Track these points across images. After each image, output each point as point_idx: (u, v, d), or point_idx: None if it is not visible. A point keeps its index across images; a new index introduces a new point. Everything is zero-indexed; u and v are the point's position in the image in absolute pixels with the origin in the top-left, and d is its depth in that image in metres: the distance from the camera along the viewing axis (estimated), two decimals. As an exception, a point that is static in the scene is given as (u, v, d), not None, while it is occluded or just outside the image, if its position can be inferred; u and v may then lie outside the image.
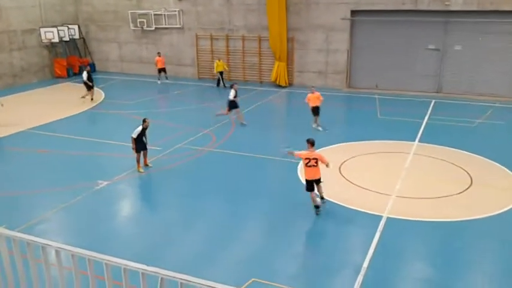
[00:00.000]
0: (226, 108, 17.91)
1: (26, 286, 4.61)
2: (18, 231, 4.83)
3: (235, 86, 18.09)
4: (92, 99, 22.00)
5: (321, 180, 10.76)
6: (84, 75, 21.81)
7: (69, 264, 4.21)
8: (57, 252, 4.10)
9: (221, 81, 24.77)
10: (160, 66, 25.74)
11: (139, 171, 13.49)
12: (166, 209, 11.51)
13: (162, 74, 25.99)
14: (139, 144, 13.27)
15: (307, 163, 10.57)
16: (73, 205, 11.50)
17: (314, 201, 10.75)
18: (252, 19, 25.29)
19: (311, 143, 10.77)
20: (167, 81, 26.04)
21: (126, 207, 12.20)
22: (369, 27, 23.33)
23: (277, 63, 24.69)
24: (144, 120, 13.31)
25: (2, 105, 18.34)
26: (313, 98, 17.20)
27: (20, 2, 26.20)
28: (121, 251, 8.44)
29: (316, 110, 17.15)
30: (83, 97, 22.03)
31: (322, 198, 11.03)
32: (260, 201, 11.62)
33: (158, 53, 26.20)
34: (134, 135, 13.16)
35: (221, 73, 24.72)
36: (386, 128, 17.36)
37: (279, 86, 24.66)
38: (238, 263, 9.01)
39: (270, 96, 22.82)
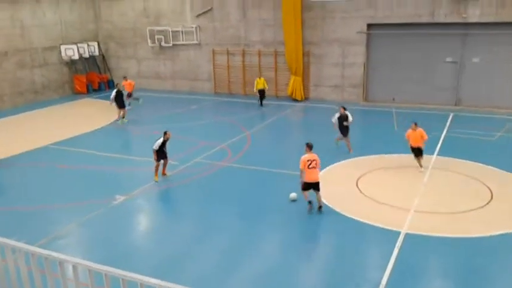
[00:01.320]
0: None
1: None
2: (37, 246, 4.90)
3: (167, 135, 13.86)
4: (123, 117, 21.25)
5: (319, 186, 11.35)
6: (113, 94, 20.87)
7: (86, 279, 4.24)
8: (74, 267, 4.14)
9: (260, 100, 23.72)
10: (128, 90, 23.41)
11: (155, 181, 13.74)
12: (183, 223, 11.53)
13: (130, 99, 23.55)
14: (160, 154, 13.76)
15: (309, 165, 11.13)
16: (91, 220, 11.60)
17: (306, 197, 11.44)
18: (268, 34, 25.49)
19: (310, 147, 11.51)
20: (129, 107, 22.96)
21: (143, 221, 12.27)
22: (385, 40, 23.30)
23: (293, 77, 24.76)
24: (165, 133, 13.76)
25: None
26: (415, 137, 13.88)
27: (42, 20, 26.90)
28: (138, 266, 8.45)
29: (417, 151, 13.98)
30: (119, 119, 21.21)
31: (320, 207, 11.39)
32: (276, 216, 11.56)
33: (124, 77, 24.43)
34: (155, 147, 13.59)
35: (261, 91, 23.65)
36: (404, 141, 17.14)
37: (295, 100, 24.69)
38: (256, 278, 8.95)
39: (286, 110, 22.86)
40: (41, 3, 26.71)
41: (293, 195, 12.09)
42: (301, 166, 11.20)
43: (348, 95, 24.28)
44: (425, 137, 13.83)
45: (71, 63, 28.61)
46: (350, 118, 15.74)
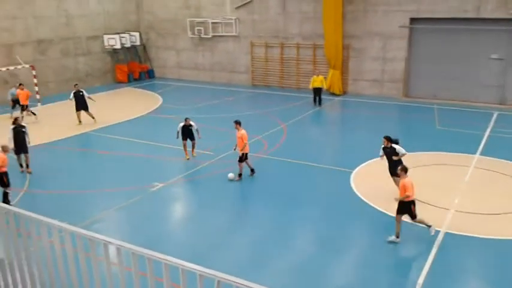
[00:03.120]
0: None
1: (88, 281, 4.81)
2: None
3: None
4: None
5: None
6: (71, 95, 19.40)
7: (125, 262, 4.35)
8: (118, 249, 4.26)
9: (317, 99, 21.98)
10: (22, 101, 19.71)
11: (186, 159, 15.03)
12: (217, 213, 11.65)
13: (23, 113, 19.71)
14: (184, 135, 14.91)
15: None
16: (130, 205, 11.91)
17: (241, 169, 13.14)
18: (307, 27, 25.28)
19: (238, 123, 13.29)
20: (33, 119, 20.05)
21: (179, 209, 12.50)
22: (428, 35, 22.65)
23: (331, 71, 24.48)
24: (185, 119, 14.87)
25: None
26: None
27: (86, 10, 27.63)
28: (173, 252, 8.61)
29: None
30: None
31: (252, 170, 13.43)
32: (311, 209, 11.53)
33: (20, 84, 20.10)
34: (178, 128, 14.90)
35: (318, 89, 21.86)
36: (445, 139, 16.72)
37: (333, 94, 24.43)
38: (289, 270, 8.97)
39: (324, 104, 22.63)
40: (86, -7, 27.45)
41: (231, 175, 13.27)
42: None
43: (388, 90, 23.81)
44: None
45: (113, 52, 29.31)
46: (402, 151, 11.44)
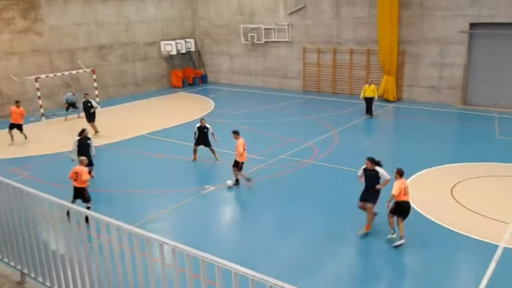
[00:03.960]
0: None
1: (144, 280, 4.98)
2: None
3: None
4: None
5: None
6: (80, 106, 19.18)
7: (177, 263, 4.47)
8: (173, 250, 4.39)
9: (369, 109, 20.83)
10: (15, 120, 17.91)
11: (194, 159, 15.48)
12: (264, 217, 11.70)
13: (16, 133, 17.98)
14: (198, 138, 15.23)
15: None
16: (181, 207, 12.22)
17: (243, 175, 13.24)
18: (361, 32, 24.93)
19: (236, 133, 13.36)
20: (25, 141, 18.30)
21: (228, 212, 12.68)
22: (489, 40, 21.70)
23: (385, 76, 23.99)
24: (200, 120, 15.39)
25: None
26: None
27: (145, 17, 28.65)
28: (221, 255, 8.75)
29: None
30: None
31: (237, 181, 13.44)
32: (359, 217, 11.30)
33: (16, 102, 18.33)
34: (195, 129, 15.29)
35: (369, 99, 20.62)
36: (506, 149, 15.92)
37: (387, 101, 23.90)
38: (335, 277, 8.86)
39: (377, 110, 22.19)
40: (145, 0, 28.45)
41: (229, 182, 13.39)
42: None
43: (445, 97, 23.01)
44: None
45: (169, 58, 30.18)
46: (386, 176, 10.20)
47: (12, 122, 17.98)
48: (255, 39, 28.66)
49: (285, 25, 27.45)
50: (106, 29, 26.77)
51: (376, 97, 20.83)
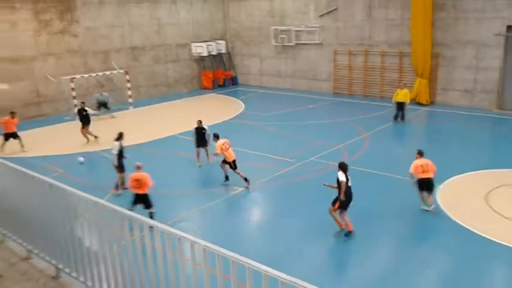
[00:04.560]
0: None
1: (174, 279, 5.06)
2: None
3: None
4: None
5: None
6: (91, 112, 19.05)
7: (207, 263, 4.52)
8: (204, 250, 4.44)
9: (400, 114, 20.09)
10: (9, 129, 17.45)
11: (198, 166, 15.38)
12: (292, 219, 11.65)
13: (14, 142, 17.49)
14: (198, 140, 15.26)
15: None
16: (211, 207, 12.33)
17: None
18: (393, 34, 24.58)
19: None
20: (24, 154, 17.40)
21: (257, 214, 12.70)
22: (528, 43, 21.05)
23: (418, 79, 23.57)
24: (198, 121, 15.30)
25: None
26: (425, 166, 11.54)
27: (176, 19, 29.07)
28: (249, 256, 8.78)
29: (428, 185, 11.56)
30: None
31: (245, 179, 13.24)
32: (391, 222, 11.16)
33: (11, 112, 17.66)
34: (193, 131, 15.36)
35: (401, 104, 20.02)
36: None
37: (419, 104, 23.47)
38: (366, 283, 8.76)
39: (409, 114, 21.82)
40: (177, 3, 28.87)
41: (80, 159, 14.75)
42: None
43: (479, 101, 22.42)
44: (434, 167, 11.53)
45: (200, 59, 30.51)
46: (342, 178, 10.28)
47: (6, 132, 17.36)
48: (285, 41, 28.64)
49: (315, 27, 27.34)
50: (139, 31, 27.29)
51: (408, 101, 20.23)
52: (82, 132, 18.67)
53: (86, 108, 18.82)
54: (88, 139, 18.68)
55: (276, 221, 11.93)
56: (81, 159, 16.19)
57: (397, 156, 16.39)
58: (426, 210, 11.47)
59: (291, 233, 10.95)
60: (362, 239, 10.41)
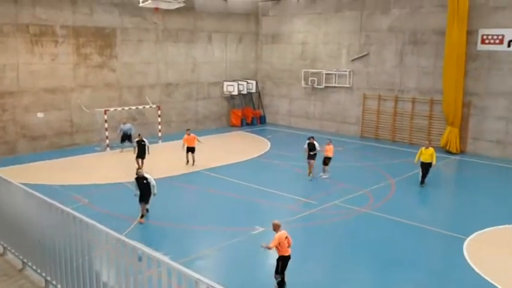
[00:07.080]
0: None
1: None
2: (179, 263, 5.33)
3: None
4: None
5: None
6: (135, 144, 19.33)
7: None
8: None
9: (423, 177, 17.50)
10: (189, 144, 20.33)
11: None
12: (312, 264, 11.43)
13: None
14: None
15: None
16: (230, 246, 12.23)
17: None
18: (425, 81, 24.54)
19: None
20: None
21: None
22: None
23: (448, 128, 23.26)
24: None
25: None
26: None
27: (211, 58, 29.90)
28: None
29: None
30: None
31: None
32: (414, 273, 10.79)
33: (187, 129, 21.16)
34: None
35: (426, 165, 17.32)
36: None
37: (449, 152, 23.06)
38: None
39: (438, 162, 21.43)
40: (212, 43, 29.77)
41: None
42: None
43: (512, 153, 21.88)
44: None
45: (230, 98, 31.09)
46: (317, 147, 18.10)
47: (188, 145, 20.35)
48: (315, 84, 28.95)
49: (346, 71, 27.59)
50: (174, 68, 28.13)
51: (434, 162, 17.37)
52: (136, 161, 18.76)
53: (144, 139, 19.18)
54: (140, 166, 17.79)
55: (295, 265, 11.68)
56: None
57: (423, 205, 16.03)
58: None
59: (310, 280, 10.70)
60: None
